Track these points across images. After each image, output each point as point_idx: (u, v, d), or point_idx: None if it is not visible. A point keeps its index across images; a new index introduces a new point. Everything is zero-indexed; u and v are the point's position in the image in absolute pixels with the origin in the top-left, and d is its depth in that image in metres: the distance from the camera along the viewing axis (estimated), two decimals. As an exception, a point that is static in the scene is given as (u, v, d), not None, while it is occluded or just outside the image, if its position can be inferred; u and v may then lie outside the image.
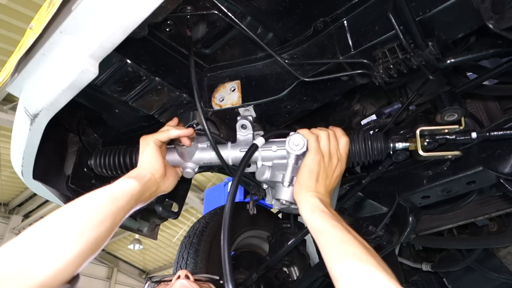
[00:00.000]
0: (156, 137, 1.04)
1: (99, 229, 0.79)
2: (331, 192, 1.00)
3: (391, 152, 1.10)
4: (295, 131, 1.07)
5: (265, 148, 1.08)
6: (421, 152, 1.05)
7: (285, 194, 1.00)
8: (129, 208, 0.90)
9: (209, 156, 1.15)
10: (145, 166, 1.00)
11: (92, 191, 0.85)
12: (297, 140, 1.03)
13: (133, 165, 1.19)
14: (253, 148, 1.05)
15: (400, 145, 1.08)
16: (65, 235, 0.74)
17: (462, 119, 1.08)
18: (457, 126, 1.07)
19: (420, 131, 1.06)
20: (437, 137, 1.08)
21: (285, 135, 1.07)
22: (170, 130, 1.05)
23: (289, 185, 1.00)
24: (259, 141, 1.07)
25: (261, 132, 1.21)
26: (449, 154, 1.09)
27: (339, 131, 1.06)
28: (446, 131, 1.08)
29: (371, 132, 1.28)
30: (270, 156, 1.09)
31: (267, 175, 1.06)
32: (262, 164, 1.09)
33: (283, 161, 1.06)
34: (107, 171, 1.22)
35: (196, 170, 1.18)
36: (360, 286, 0.70)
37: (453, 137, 1.07)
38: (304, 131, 1.05)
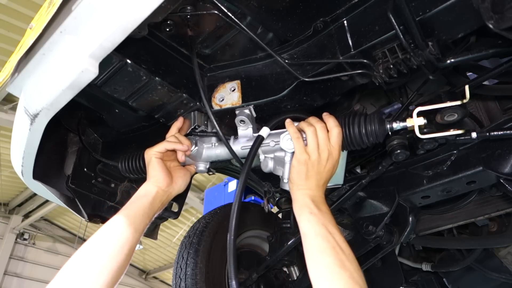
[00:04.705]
0: (155, 150, 1.12)
1: (119, 257, 0.89)
2: (325, 183, 1.03)
3: (390, 134, 1.04)
4: (294, 119, 1.10)
5: (263, 144, 1.10)
6: (418, 134, 0.97)
7: (287, 187, 1.07)
8: (144, 226, 1.00)
9: (215, 153, 1.23)
10: (151, 180, 1.09)
11: (110, 222, 0.95)
12: (289, 138, 1.06)
13: None
14: (259, 139, 1.06)
15: (397, 125, 1.01)
16: (89, 273, 0.84)
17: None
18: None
19: (418, 112, 0.98)
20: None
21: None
22: (165, 143, 1.12)
23: (288, 181, 1.07)
24: (264, 131, 1.08)
25: None
26: (450, 133, 1.02)
27: (331, 122, 1.03)
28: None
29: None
30: (270, 150, 1.12)
31: (270, 166, 1.12)
32: (265, 157, 1.13)
33: (282, 153, 1.09)
34: (132, 174, 1.30)
35: (208, 166, 1.26)
36: None
37: (453, 137, 1.06)
38: (291, 130, 1.05)
